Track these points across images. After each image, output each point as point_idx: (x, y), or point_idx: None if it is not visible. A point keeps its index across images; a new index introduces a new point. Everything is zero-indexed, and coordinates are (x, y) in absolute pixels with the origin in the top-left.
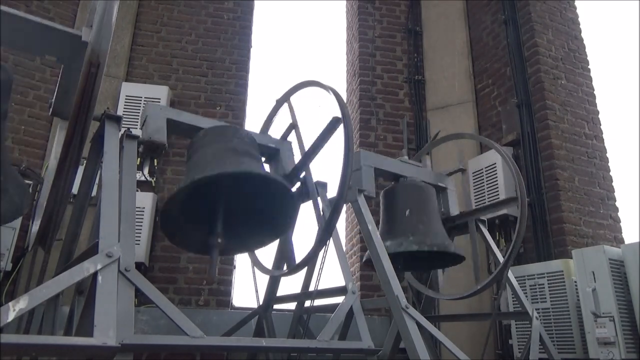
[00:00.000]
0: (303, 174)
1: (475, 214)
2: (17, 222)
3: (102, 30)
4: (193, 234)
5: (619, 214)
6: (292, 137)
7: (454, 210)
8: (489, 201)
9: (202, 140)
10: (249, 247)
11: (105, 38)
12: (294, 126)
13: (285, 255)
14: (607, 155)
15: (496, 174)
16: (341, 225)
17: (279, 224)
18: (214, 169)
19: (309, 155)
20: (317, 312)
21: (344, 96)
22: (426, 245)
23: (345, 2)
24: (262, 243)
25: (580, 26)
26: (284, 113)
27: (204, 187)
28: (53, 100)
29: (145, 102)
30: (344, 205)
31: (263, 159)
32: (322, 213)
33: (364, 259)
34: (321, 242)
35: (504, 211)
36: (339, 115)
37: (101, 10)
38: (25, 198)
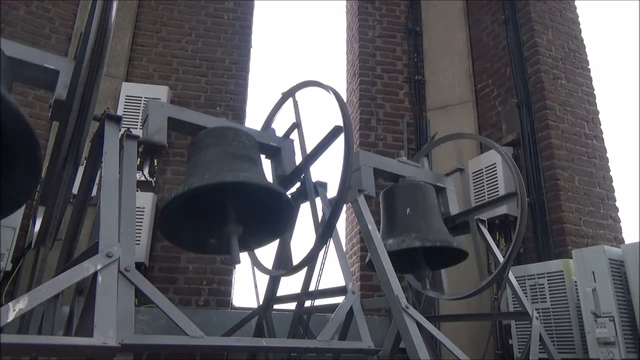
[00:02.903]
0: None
1: (475, 211)
2: (17, 222)
3: None
4: (193, 233)
5: (619, 214)
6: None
7: (454, 210)
8: (489, 201)
9: (202, 142)
10: (248, 246)
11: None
12: (297, 125)
13: (284, 255)
14: (607, 155)
15: (496, 174)
16: (341, 225)
17: (277, 226)
18: (212, 177)
19: (308, 159)
20: (317, 312)
21: (344, 96)
22: (429, 241)
23: (345, 2)
24: (261, 243)
25: (580, 26)
26: (286, 110)
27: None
28: (52, 100)
29: (145, 102)
30: (344, 205)
31: (264, 156)
32: (321, 213)
33: (366, 260)
34: (321, 242)
35: (504, 210)
36: (340, 118)
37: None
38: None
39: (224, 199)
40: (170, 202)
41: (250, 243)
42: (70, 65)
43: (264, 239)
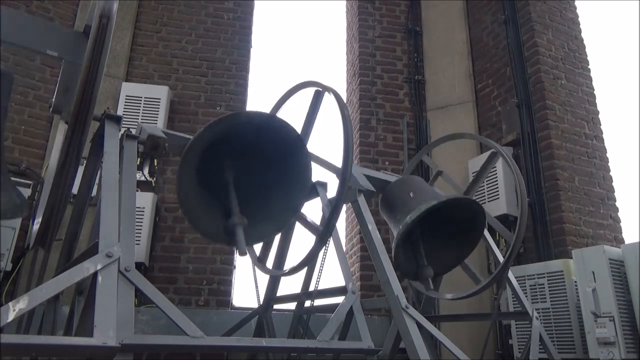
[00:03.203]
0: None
1: (468, 193)
2: (17, 222)
3: None
4: (208, 216)
5: (619, 214)
6: None
7: None
8: (488, 200)
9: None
10: (250, 239)
11: None
12: None
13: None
14: (607, 155)
15: (496, 174)
16: (341, 225)
17: (291, 197)
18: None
19: (304, 133)
20: (317, 312)
21: (344, 96)
22: (444, 197)
23: (345, 2)
24: (263, 235)
25: (580, 26)
26: (286, 111)
27: (213, 158)
28: (54, 98)
29: (145, 102)
30: (344, 205)
31: None
32: (321, 213)
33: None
34: (321, 242)
35: (504, 210)
36: (340, 119)
37: None
38: (23, 202)
39: (229, 176)
40: (186, 151)
41: (254, 234)
42: (76, 47)
43: (271, 225)
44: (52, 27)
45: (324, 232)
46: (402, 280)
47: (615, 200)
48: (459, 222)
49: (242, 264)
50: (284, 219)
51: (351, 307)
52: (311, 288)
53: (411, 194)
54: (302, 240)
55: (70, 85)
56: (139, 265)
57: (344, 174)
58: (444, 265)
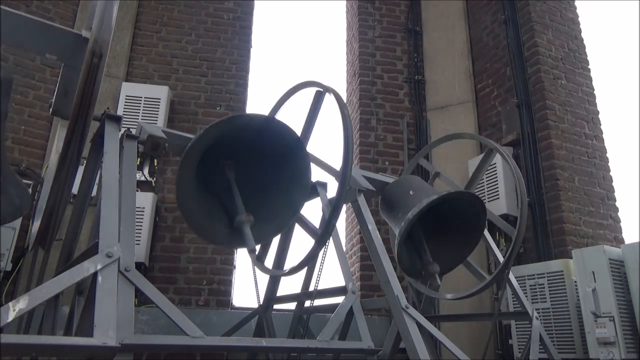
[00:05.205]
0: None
1: None
2: (17, 222)
3: (104, 23)
4: (208, 221)
5: (619, 214)
6: None
7: None
8: (488, 200)
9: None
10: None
11: (107, 30)
12: None
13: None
14: (607, 155)
15: (496, 174)
16: (341, 225)
17: (290, 199)
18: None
19: (305, 133)
20: (317, 312)
21: (344, 96)
22: (444, 192)
23: (345, 2)
24: (263, 236)
25: (580, 26)
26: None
27: (213, 159)
28: (53, 100)
29: (145, 102)
30: (344, 205)
31: None
32: (321, 213)
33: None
34: (321, 242)
35: (504, 210)
36: (340, 119)
37: (102, 6)
38: (25, 199)
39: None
40: (183, 160)
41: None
42: (75, 50)
43: (271, 226)
44: (52, 29)
45: (324, 232)
46: (402, 280)
47: (615, 200)
48: (460, 220)
49: (242, 264)
50: (283, 220)
51: (351, 307)
52: (311, 288)
53: (411, 192)
54: (302, 240)
55: (69, 88)
56: (139, 265)
57: (343, 174)
58: (447, 264)
